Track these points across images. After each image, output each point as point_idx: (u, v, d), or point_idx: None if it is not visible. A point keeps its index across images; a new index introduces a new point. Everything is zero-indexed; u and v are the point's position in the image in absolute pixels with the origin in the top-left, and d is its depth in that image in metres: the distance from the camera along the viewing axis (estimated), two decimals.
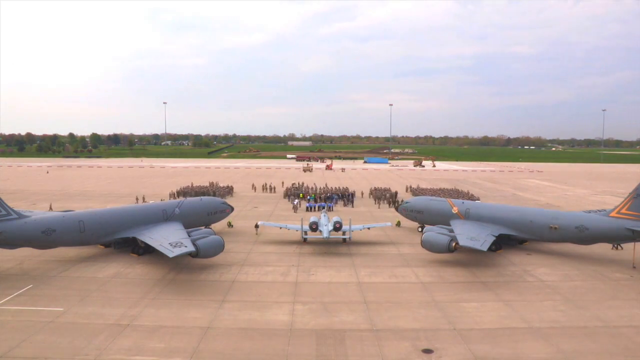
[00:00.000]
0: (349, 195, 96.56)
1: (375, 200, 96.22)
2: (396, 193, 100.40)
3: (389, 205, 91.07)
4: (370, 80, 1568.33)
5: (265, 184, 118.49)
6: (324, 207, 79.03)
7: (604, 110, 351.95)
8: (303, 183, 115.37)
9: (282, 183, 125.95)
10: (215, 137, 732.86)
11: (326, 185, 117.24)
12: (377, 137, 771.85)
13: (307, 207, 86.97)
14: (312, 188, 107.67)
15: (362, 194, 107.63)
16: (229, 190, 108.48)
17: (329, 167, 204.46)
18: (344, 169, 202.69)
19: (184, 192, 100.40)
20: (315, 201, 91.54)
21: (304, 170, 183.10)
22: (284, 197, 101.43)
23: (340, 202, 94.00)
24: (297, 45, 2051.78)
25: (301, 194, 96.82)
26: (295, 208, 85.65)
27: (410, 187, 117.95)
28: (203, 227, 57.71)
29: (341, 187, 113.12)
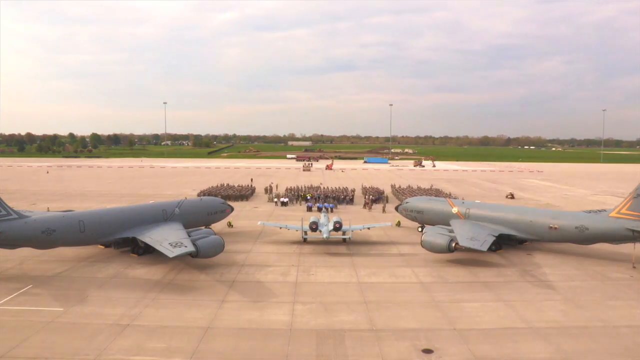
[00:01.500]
0: (348, 197, 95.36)
1: (365, 202, 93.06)
2: (383, 192, 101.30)
3: (368, 205, 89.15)
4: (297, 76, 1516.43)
5: (270, 186, 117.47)
6: (322, 208, 79.45)
7: (604, 110, 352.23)
8: (298, 187, 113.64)
9: (277, 186, 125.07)
10: (215, 137, 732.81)
11: (323, 185, 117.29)
12: (377, 137, 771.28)
13: (307, 207, 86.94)
14: (311, 187, 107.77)
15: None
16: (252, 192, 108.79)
17: (329, 167, 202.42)
18: (344, 169, 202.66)
19: (208, 192, 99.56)
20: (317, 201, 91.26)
21: (304, 170, 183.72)
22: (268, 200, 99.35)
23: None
24: (200, 39, 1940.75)
25: (303, 194, 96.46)
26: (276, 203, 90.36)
27: (394, 185, 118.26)
28: (203, 227, 57.74)
29: (341, 187, 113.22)
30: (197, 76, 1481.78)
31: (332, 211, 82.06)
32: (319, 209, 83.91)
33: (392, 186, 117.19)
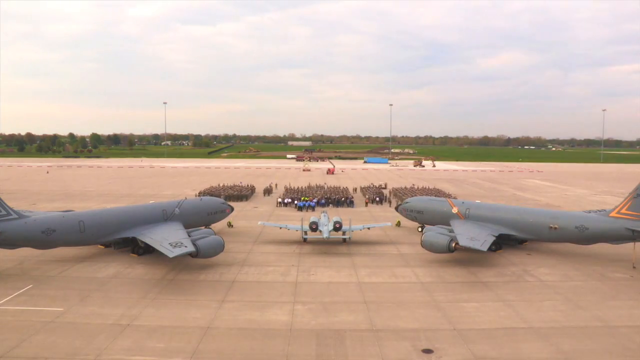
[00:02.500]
0: (348, 199, 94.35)
1: (366, 201, 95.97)
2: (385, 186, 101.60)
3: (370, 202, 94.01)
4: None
5: (270, 186, 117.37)
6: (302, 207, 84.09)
7: (604, 110, 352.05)
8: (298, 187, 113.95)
9: (276, 185, 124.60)
10: (215, 137, 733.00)
11: (327, 184, 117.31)
12: (377, 137, 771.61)
13: (298, 207, 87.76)
14: (310, 188, 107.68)
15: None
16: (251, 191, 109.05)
17: (330, 172, 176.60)
18: (344, 169, 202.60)
19: (209, 193, 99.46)
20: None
21: (304, 170, 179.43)
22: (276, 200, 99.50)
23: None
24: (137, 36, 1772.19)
25: (303, 197, 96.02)
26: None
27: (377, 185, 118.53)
28: (203, 227, 57.74)
29: (341, 187, 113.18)
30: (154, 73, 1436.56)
31: (314, 210, 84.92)
32: (299, 208, 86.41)
33: (392, 188, 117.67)
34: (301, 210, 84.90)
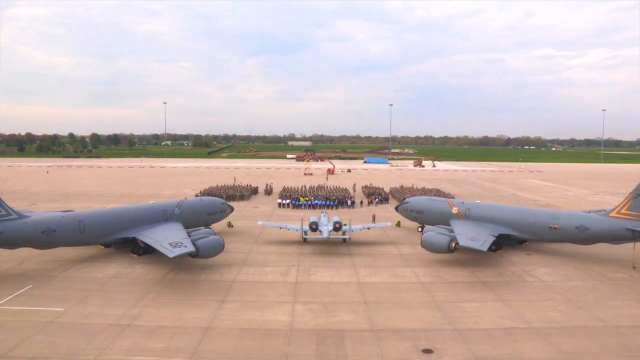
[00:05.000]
0: (349, 200, 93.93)
1: (369, 201, 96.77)
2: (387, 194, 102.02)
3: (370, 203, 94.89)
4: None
5: (270, 186, 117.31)
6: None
7: (604, 110, 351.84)
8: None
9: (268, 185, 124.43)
10: (215, 137, 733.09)
11: (327, 184, 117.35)
12: (377, 137, 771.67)
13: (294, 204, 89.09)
14: (311, 188, 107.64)
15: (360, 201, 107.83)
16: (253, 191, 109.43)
17: (330, 172, 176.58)
18: (344, 169, 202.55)
19: (208, 193, 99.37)
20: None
21: (305, 174, 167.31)
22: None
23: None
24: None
25: (301, 198, 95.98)
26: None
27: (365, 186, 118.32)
28: (203, 227, 57.73)
29: (341, 187, 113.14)
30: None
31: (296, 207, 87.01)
32: (295, 205, 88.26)
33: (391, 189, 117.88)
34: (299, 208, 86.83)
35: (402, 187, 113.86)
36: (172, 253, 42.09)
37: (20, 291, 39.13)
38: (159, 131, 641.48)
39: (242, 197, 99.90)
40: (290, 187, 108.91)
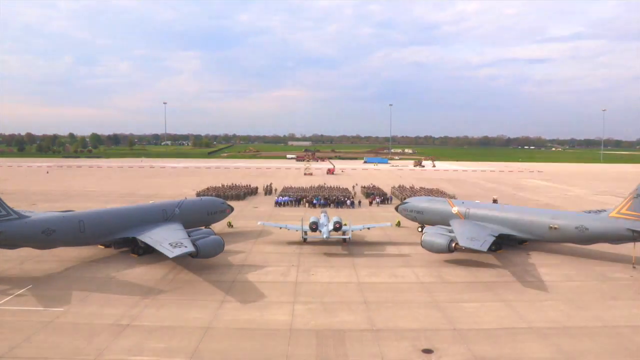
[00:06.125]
0: (350, 200, 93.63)
1: (370, 201, 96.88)
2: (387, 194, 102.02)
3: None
4: None
5: (270, 185, 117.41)
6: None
7: (604, 110, 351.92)
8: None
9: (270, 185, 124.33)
10: (215, 137, 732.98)
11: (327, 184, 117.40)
12: (377, 137, 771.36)
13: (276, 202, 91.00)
14: (312, 188, 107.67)
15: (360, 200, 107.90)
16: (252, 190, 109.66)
17: (330, 172, 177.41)
18: (344, 169, 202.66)
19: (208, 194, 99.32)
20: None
21: (305, 174, 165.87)
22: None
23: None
24: None
25: (303, 198, 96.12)
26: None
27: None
28: (203, 227, 57.73)
29: (341, 187, 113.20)
30: None
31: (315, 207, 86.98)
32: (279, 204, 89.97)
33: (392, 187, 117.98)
34: (281, 206, 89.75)
35: (401, 186, 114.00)
36: (172, 253, 42.09)
37: (20, 291, 39.13)
38: (159, 131, 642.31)
39: (238, 197, 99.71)
40: (290, 187, 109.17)
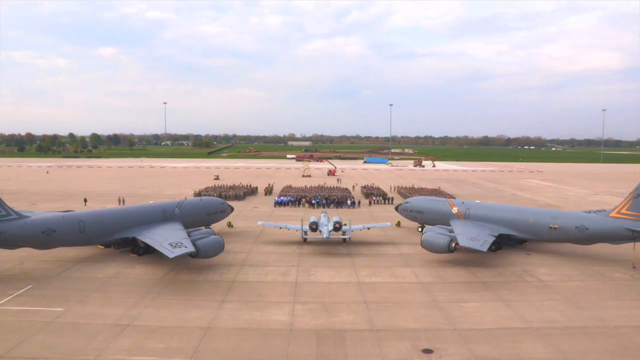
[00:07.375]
0: (351, 200, 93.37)
1: (369, 201, 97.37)
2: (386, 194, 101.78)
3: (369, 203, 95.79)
4: None
5: (270, 186, 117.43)
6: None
7: (604, 110, 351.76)
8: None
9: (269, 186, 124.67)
10: (215, 137, 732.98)
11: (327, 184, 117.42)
12: (377, 137, 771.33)
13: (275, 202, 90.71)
14: (312, 188, 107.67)
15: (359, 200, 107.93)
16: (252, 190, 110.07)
17: (331, 173, 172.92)
18: (344, 169, 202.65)
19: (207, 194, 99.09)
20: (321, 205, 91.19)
21: (303, 176, 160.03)
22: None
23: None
24: None
25: (303, 198, 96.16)
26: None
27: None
28: (203, 227, 57.72)
29: (341, 187, 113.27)
30: None
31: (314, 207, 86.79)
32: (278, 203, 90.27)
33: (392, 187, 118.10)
34: (282, 206, 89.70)
35: (399, 187, 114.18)
36: (172, 253, 42.08)
37: (20, 291, 39.12)
38: (159, 131, 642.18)
39: (238, 197, 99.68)
40: (290, 186, 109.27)
